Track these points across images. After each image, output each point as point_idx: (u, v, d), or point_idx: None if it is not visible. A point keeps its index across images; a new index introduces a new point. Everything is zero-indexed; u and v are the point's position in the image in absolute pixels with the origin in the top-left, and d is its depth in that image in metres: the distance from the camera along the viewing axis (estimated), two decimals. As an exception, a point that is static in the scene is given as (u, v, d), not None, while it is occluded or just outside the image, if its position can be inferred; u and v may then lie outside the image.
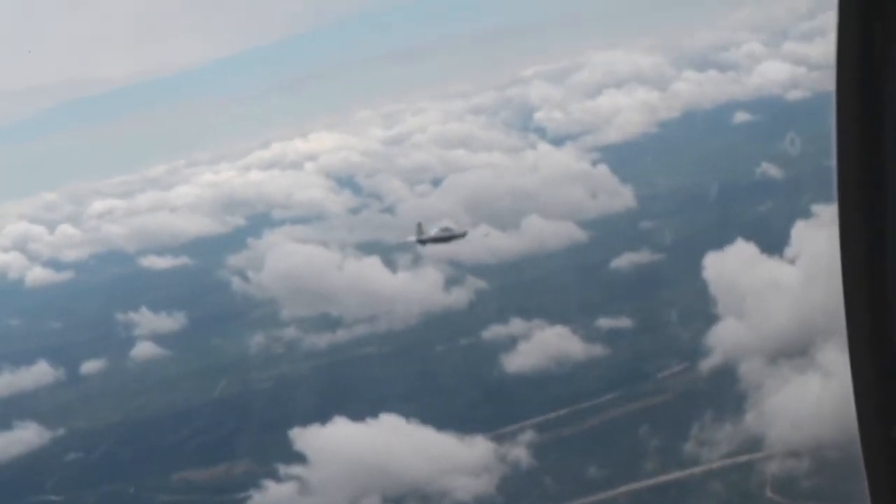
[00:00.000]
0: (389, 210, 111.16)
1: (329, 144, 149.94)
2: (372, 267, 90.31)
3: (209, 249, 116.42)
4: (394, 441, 60.98)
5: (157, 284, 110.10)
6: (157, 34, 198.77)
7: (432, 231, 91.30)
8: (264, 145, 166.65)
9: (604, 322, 75.18)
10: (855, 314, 4.15)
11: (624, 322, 74.87)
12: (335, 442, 62.38)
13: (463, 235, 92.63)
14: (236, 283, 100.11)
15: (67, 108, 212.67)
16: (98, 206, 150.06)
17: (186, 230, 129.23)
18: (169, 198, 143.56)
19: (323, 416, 67.12)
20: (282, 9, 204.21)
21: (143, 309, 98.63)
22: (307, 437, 64.18)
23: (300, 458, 63.32)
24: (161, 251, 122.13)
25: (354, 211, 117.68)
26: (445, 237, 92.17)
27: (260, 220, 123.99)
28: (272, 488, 63.65)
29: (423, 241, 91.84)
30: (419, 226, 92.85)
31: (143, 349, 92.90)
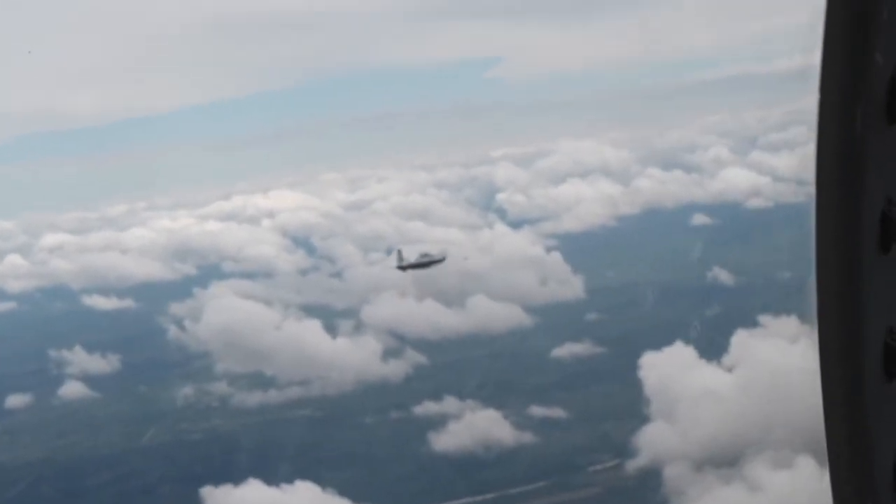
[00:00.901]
0: (338, 275, 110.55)
1: (290, 203, 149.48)
2: (312, 330, 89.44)
3: (155, 295, 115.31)
4: (306, 510, 59.75)
5: (97, 325, 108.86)
6: (134, 76, 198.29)
7: (412, 258, 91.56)
8: (226, 197, 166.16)
9: (537, 410, 74.39)
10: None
11: (557, 412, 74.10)
12: (246, 504, 61.09)
13: (442, 261, 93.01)
14: (175, 331, 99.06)
15: (37, 139, 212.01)
16: (50, 239, 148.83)
17: (135, 273, 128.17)
18: (122, 239, 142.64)
19: (241, 476, 65.90)
20: (260, 64, 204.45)
21: (78, 348, 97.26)
22: (218, 498, 62.84)
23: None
24: (107, 292, 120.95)
25: (305, 272, 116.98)
26: (425, 262, 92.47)
27: (210, 270, 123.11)
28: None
29: (403, 268, 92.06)
30: (399, 252, 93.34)
31: (72, 388, 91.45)
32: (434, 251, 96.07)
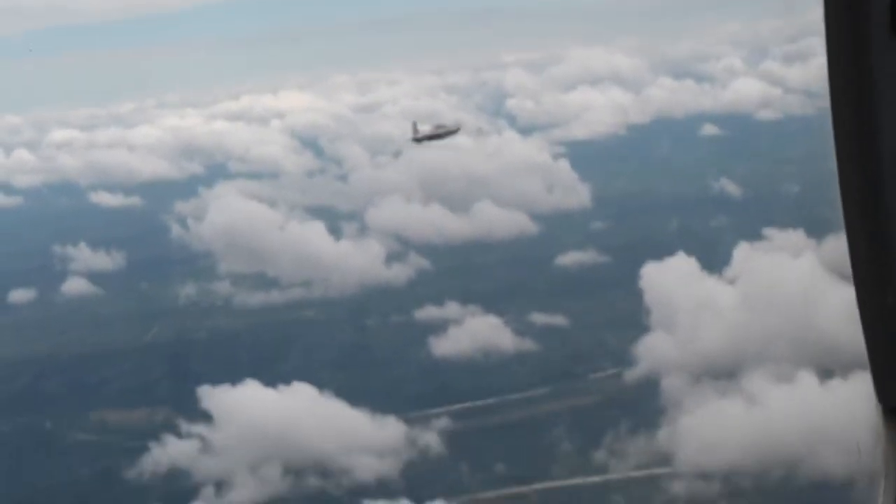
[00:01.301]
0: (344, 177, 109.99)
1: (299, 104, 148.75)
2: (316, 231, 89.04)
3: (161, 193, 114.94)
4: (303, 411, 59.79)
5: (103, 222, 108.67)
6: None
7: (426, 129, 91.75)
8: (235, 96, 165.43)
9: (538, 317, 74.17)
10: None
11: (558, 320, 73.88)
12: (244, 404, 61.17)
13: (456, 131, 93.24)
14: (179, 230, 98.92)
15: (49, 34, 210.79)
16: (58, 135, 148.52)
17: (142, 171, 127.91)
18: (130, 136, 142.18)
19: (240, 376, 65.96)
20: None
21: (83, 244, 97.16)
22: (217, 397, 62.95)
23: (207, 417, 62.11)
24: (113, 189, 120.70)
25: (311, 173, 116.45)
26: (440, 134, 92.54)
27: (216, 170, 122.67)
28: (178, 443, 62.47)
29: (418, 139, 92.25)
30: (414, 124, 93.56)
31: (76, 284, 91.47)
32: (448, 122, 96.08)
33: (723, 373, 59.94)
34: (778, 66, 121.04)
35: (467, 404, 64.89)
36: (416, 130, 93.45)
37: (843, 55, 3.72)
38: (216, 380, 65.78)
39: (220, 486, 57.37)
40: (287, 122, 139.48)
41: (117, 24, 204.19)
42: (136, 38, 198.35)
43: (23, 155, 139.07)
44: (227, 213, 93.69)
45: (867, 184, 3.88)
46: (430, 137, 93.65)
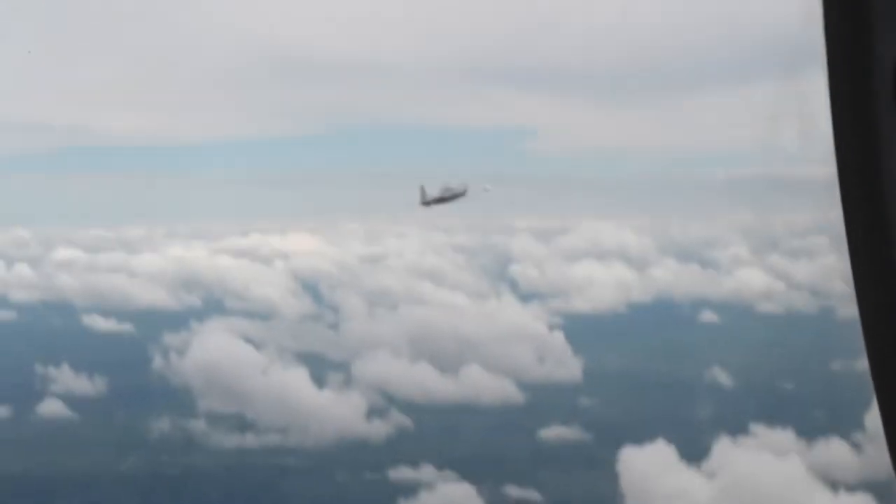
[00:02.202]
0: (338, 326, 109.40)
1: (306, 248, 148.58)
2: (299, 378, 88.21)
3: (155, 323, 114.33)
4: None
5: (91, 345, 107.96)
6: (173, 103, 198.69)
7: (434, 192, 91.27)
8: (244, 233, 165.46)
9: (513, 490, 72.85)
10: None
11: (532, 494, 72.54)
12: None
13: (463, 193, 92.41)
14: (164, 362, 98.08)
15: (70, 153, 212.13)
16: (62, 253, 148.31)
17: (140, 298, 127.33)
18: (133, 262, 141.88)
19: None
20: (296, 106, 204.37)
21: (66, 366, 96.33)
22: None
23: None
24: (107, 313, 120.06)
25: (306, 319, 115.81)
26: (448, 196, 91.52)
27: (213, 305, 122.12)
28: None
29: (427, 203, 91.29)
30: (422, 188, 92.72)
31: (53, 406, 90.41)
32: (455, 185, 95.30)
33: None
34: (784, 260, 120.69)
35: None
36: (424, 195, 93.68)
37: (847, 124, 3.71)
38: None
39: None
40: (291, 265, 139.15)
41: (138, 149, 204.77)
42: (155, 165, 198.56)
43: (24, 270, 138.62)
44: (212, 351, 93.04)
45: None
46: (439, 201, 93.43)
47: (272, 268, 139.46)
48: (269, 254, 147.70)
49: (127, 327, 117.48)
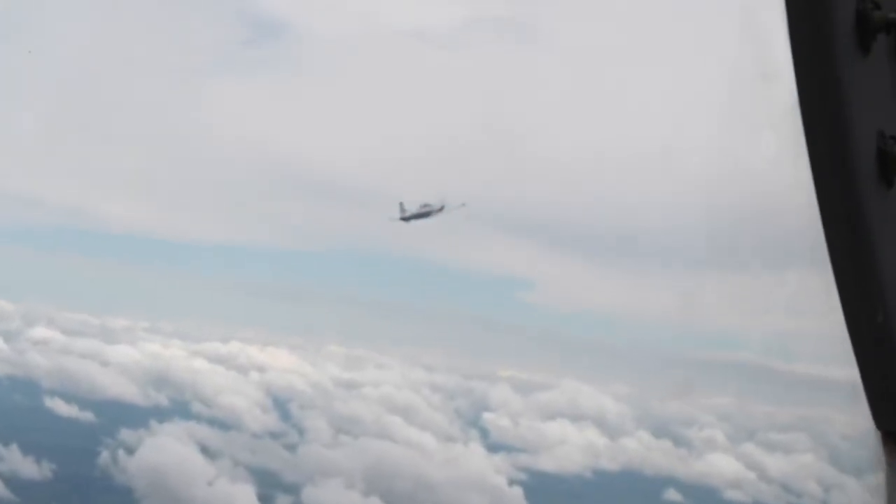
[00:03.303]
0: (298, 447, 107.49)
1: (284, 364, 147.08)
2: (245, 495, 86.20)
3: (117, 416, 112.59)
4: None
5: (47, 429, 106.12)
6: (179, 200, 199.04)
7: (413, 208, 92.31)
8: (225, 339, 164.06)
9: None
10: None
11: None
12: None
13: (441, 209, 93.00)
14: (113, 457, 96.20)
15: (68, 234, 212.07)
16: (40, 332, 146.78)
17: (107, 389, 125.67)
18: (108, 352, 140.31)
19: None
20: (303, 222, 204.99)
21: (16, 447, 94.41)
22: None
23: None
24: (71, 399, 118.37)
25: (268, 436, 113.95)
26: (426, 212, 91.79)
27: (179, 407, 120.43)
28: None
29: (406, 219, 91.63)
30: (401, 204, 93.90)
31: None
32: (433, 201, 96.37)
33: None
34: (759, 451, 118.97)
35: None
36: (402, 210, 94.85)
37: (832, 207, 3.69)
38: None
39: None
40: (266, 378, 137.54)
41: (133, 239, 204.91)
42: (147, 257, 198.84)
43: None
44: (163, 453, 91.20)
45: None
46: (417, 216, 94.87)
47: (246, 378, 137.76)
48: (246, 364, 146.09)
49: (88, 416, 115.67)
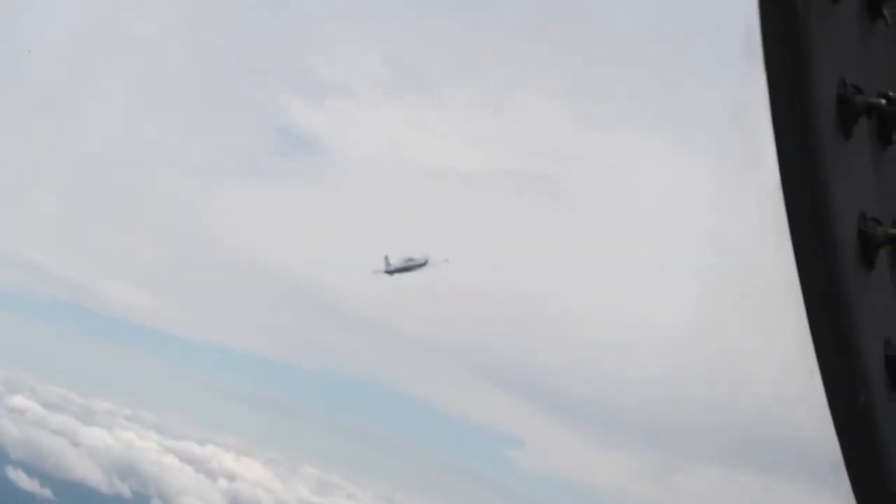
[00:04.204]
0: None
1: (254, 476, 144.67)
2: None
3: (76, 498, 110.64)
4: None
5: (2, 499, 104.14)
6: (178, 290, 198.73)
7: (396, 261, 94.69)
8: (201, 441, 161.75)
9: None
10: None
11: None
12: None
13: (424, 264, 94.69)
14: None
15: (69, 309, 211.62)
16: (19, 401, 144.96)
17: (72, 470, 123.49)
18: (82, 432, 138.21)
19: None
20: (305, 339, 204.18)
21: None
22: None
23: None
24: (33, 473, 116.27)
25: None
26: (410, 266, 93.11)
27: (140, 501, 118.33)
28: None
29: (390, 272, 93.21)
30: (386, 258, 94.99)
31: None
32: (417, 255, 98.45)
33: None
34: None
35: None
36: (388, 264, 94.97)
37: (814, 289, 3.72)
38: None
39: None
40: (233, 487, 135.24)
41: (129, 324, 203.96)
42: (141, 344, 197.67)
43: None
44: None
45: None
46: (401, 270, 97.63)
47: (214, 484, 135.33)
48: (217, 469, 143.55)
49: (46, 493, 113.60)
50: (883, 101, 3.91)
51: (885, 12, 4.05)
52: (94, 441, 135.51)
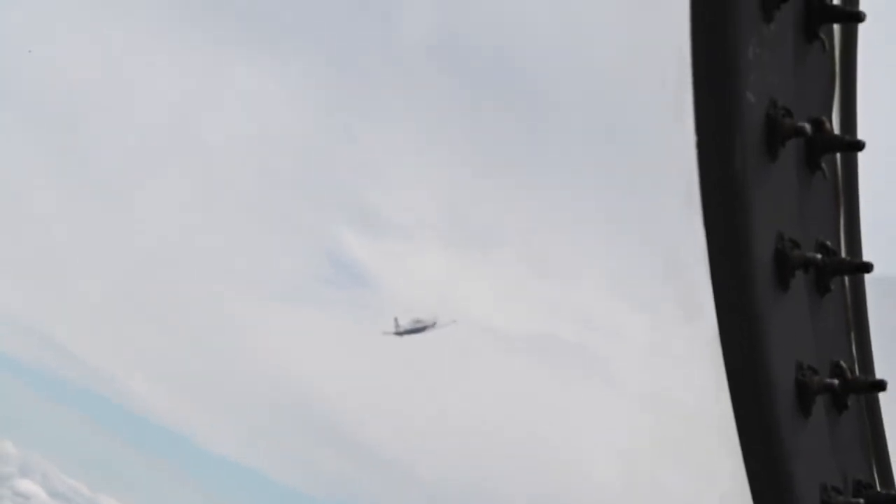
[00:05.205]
0: None
1: None
2: None
3: None
4: None
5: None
6: (206, 401, 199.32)
7: (405, 323, 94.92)
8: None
9: None
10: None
11: None
12: None
13: (433, 325, 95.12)
14: None
15: (88, 395, 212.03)
16: (26, 485, 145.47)
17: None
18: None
19: None
20: (321, 467, 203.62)
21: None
22: None
23: None
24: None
25: None
26: (419, 328, 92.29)
27: None
28: None
29: (399, 333, 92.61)
30: (395, 319, 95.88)
31: None
32: (425, 317, 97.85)
33: None
34: None
35: None
36: (397, 325, 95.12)
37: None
38: None
39: None
40: None
41: (156, 427, 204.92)
42: (162, 447, 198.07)
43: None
44: None
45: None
46: (410, 332, 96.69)
47: None
48: None
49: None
50: (819, 256, 4.01)
51: (823, 166, 4.17)
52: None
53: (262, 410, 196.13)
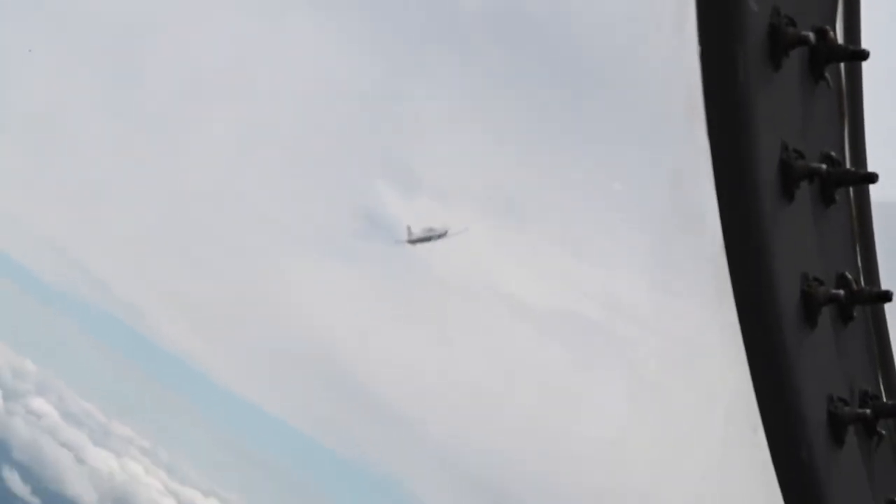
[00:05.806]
0: None
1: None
2: None
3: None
4: None
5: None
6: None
7: (418, 231, 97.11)
8: (206, 493, 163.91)
9: None
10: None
11: None
12: None
13: (444, 234, 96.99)
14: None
15: (118, 326, 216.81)
16: (39, 404, 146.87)
17: (68, 487, 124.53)
18: (89, 451, 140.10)
19: None
20: None
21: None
22: None
23: None
24: (28, 480, 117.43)
25: None
26: (429, 237, 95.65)
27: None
28: None
29: (413, 241, 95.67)
30: (409, 227, 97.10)
31: None
32: (437, 226, 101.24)
33: None
34: None
35: None
36: (410, 233, 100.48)
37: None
38: None
39: None
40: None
41: (180, 362, 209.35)
42: (188, 387, 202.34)
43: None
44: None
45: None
46: (421, 240, 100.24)
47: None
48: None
49: (35, 502, 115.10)
50: (823, 167, 4.09)
51: (827, 76, 4.22)
52: (99, 463, 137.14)
53: (286, 361, 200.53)
